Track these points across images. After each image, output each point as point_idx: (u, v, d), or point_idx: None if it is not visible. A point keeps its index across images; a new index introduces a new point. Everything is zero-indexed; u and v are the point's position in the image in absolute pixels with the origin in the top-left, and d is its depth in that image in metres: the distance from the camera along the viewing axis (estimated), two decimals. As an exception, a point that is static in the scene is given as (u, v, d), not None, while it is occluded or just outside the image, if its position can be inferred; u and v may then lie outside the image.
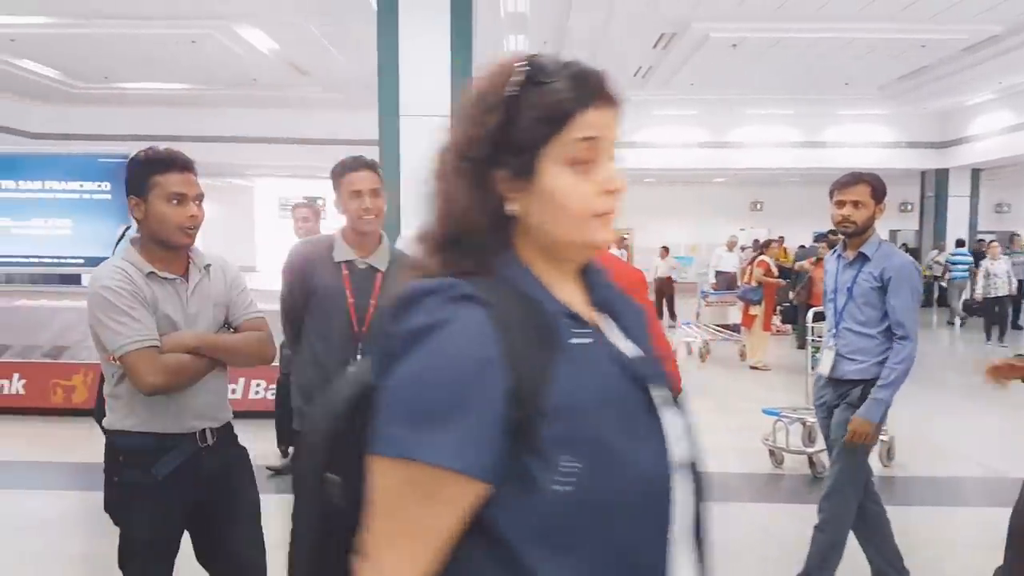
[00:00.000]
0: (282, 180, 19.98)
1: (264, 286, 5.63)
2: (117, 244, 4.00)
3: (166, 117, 15.80)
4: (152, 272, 2.16)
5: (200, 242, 2.31)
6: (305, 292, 2.67)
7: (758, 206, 22.46)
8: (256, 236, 20.45)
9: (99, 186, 7.05)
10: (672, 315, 14.13)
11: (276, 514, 2.75)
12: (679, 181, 20.88)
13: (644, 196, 21.73)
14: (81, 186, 7.24)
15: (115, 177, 7.52)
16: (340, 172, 2.67)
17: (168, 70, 13.59)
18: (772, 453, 5.28)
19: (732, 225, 21.24)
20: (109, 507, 2.23)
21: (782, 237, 12.35)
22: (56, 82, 14.46)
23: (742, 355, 9.80)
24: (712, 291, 13.54)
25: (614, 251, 16.65)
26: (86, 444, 4.15)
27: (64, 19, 10.58)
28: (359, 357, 2.31)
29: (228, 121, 16.03)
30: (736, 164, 17.83)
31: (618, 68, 12.91)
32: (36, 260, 7.21)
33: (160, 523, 2.17)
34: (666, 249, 14.95)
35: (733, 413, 6.96)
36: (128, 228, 4.07)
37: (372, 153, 7.80)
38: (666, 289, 14.38)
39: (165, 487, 2.14)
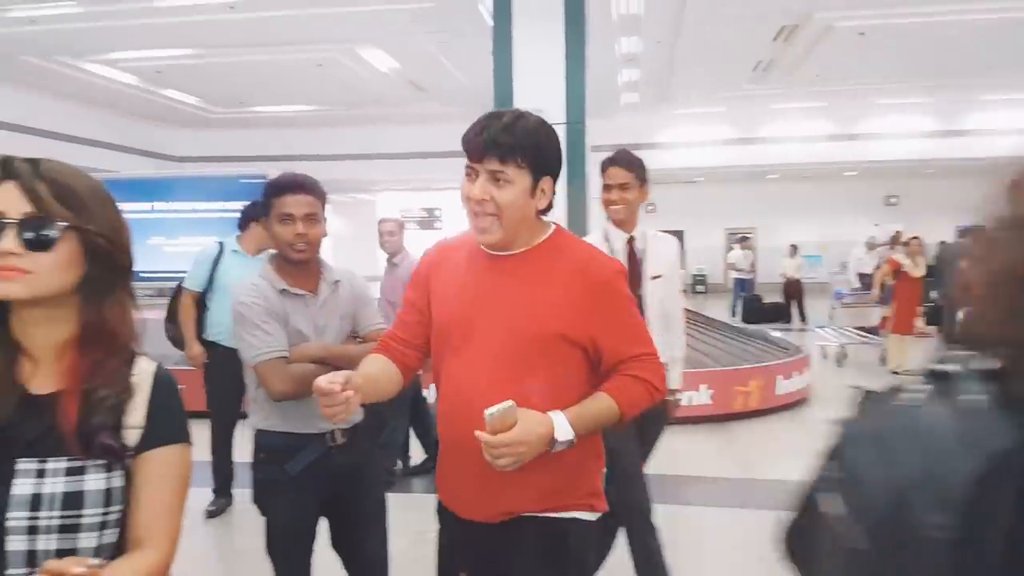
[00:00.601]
0: (402, 193, 20.62)
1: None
2: (217, 260, 4.27)
3: (295, 137, 16.66)
4: (285, 289, 2.31)
5: (330, 255, 2.45)
6: None
7: (893, 200, 21.22)
8: (378, 248, 21.15)
9: (241, 205, 7.51)
10: (803, 317, 13.56)
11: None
12: (805, 176, 20.02)
13: (767, 193, 21.01)
14: (225, 206, 7.73)
15: (254, 197, 8.00)
16: None
17: (297, 93, 14.32)
18: (917, 463, 4.95)
19: (865, 221, 20.19)
20: (255, 500, 2.41)
21: (916, 237, 10.68)
22: (196, 108, 15.53)
23: (882, 359, 9.27)
24: (848, 291, 12.86)
25: (738, 253, 15.93)
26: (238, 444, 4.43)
27: (203, 50, 11.36)
28: None
29: (352, 139, 16.71)
30: (867, 157, 16.87)
31: (735, 63, 12.56)
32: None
33: (296, 514, 2.34)
34: (794, 247, 14.36)
35: (872, 420, 6.58)
36: (222, 243, 4.36)
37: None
38: (795, 290, 13.81)
39: (299, 482, 2.30)
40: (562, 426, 1.56)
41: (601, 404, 1.63)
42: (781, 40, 11.32)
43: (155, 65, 12.29)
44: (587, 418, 1.60)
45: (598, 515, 1.73)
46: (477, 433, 1.49)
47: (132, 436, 1.18)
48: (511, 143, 1.58)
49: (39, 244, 1.11)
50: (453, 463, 1.73)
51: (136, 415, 1.19)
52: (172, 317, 4.37)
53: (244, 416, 4.23)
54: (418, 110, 15.23)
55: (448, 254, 1.81)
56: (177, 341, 4.33)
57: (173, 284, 4.55)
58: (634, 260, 2.88)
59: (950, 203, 19.77)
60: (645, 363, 1.68)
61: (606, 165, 2.91)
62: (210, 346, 4.20)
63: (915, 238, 9.08)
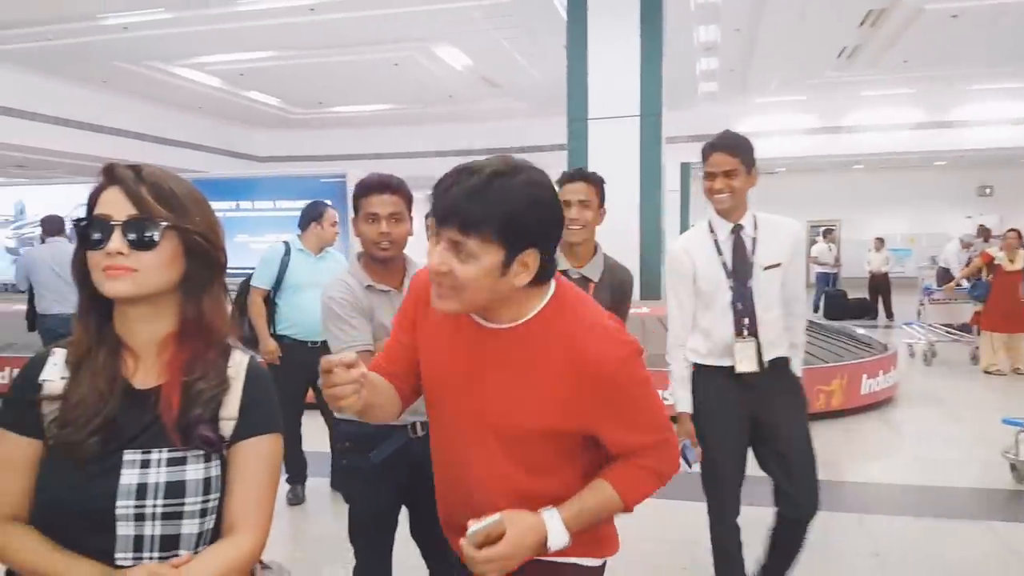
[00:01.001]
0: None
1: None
2: (284, 259, 4.40)
3: (372, 136, 17.00)
4: (370, 285, 2.38)
5: (412, 253, 2.49)
6: None
7: (987, 191, 20.18)
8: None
9: (321, 203, 7.68)
10: (889, 314, 13.06)
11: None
12: (892, 166, 19.25)
13: (853, 184, 20.31)
14: (305, 204, 7.92)
15: (334, 195, 8.21)
16: (559, 182, 2.75)
17: (373, 93, 14.58)
18: (1014, 468, 4.71)
19: (956, 213, 19.31)
20: (340, 487, 2.47)
21: (1014, 230, 9.63)
22: (277, 109, 16.00)
23: (974, 358, 8.85)
24: (937, 287, 12.32)
25: (821, 247, 15.38)
26: (319, 436, 4.56)
27: (284, 52, 11.69)
28: None
29: (426, 136, 16.92)
30: (959, 145, 16.05)
31: (819, 50, 12.16)
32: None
33: (378, 502, 2.41)
34: (880, 241, 13.82)
35: (965, 422, 6.30)
36: (287, 242, 4.49)
37: (560, 158, 7.92)
38: (881, 285, 13.30)
39: (381, 471, 2.36)
40: (556, 530, 1.38)
41: (602, 497, 1.44)
42: (868, 25, 10.90)
43: (238, 68, 12.71)
44: (586, 515, 1.42)
45: (603, 560, 1.58)
46: (462, 543, 1.32)
47: (227, 427, 1.23)
48: (475, 213, 1.27)
49: (143, 244, 1.18)
50: (446, 519, 1.61)
51: (230, 407, 1.24)
52: (239, 313, 4.52)
53: (309, 407, 4.43)
54: (491, 107, 15.33)
55: None
56: (244, 337, 4.48)
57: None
58: (741, 251, 2.70)
59: (1051, 192, 18.78)
60: (656, 451, 1.48)
61: (708, 151, 2.67)
62: (278, 340, 4.37)
63: (1012, 231, 8.61)
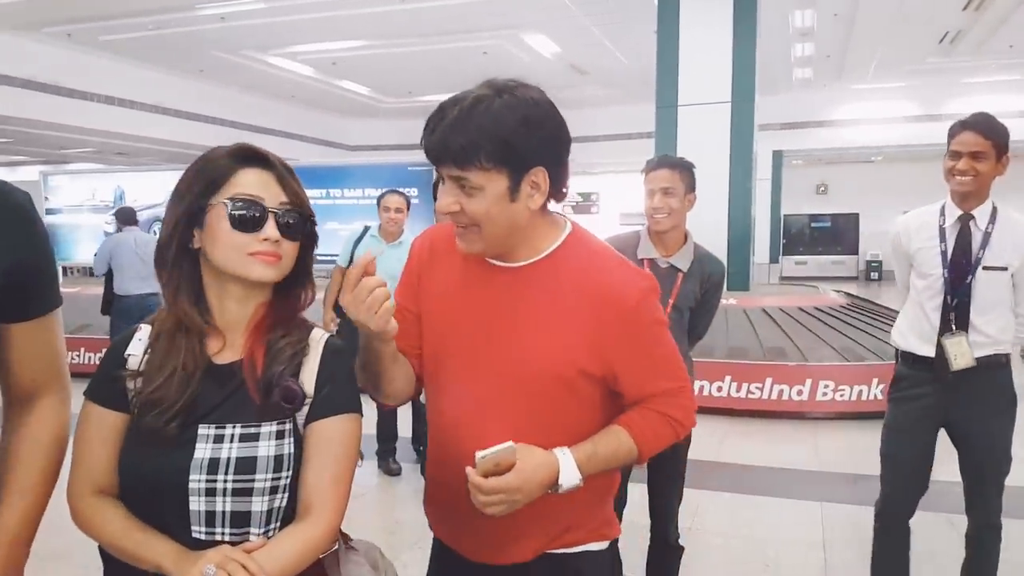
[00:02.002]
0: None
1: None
2: (358, 241, 4.56)
3: (459, 125, 17.10)
4: None
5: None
6: None
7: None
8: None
9: (408, 191, 7.86)
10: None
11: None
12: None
13: (954, 176, 19.30)
14: (393, 192, 8.08)
15: (422, 183, 8.36)
16: (644, 170, 2.69)
17: (462, 82, 14.29)
18: None
19: (1070, 206, 18.13)
20: (423, 472, 2.53)
21: None
22: (368, 98, 16.30)
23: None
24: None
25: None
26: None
27: (376, 41, 11.89)
28: None
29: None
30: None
31: (920, 35, 11.61)
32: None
33: None
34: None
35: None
36: (367, 227, 4.63)
37: (647, 146, 7.78)
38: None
39: None
40: (568, 469, 1.31)
41: (617, 442, 1.37)
42: (972, 8, 10.32)
43: (331, 57, 13.01)
44: (600, 459, 1.35)
45: (609, 542, 1.50)
46: (468, 471, 1.26)
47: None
48: (463, 144, 1.24)
49: (290, 233, 1.22)
50: (448, 505, 1.48)
51: (307, 383, 1.22)
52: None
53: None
54: (576, 95, 15.23)
55: (440, 249, 1.46)
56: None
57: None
58: (964, 243, 2.47)
59: None
60: (674, 398, 1.41)
61: (957, 129, 2.48)
62: (341, 316, 4.43)
63: None
